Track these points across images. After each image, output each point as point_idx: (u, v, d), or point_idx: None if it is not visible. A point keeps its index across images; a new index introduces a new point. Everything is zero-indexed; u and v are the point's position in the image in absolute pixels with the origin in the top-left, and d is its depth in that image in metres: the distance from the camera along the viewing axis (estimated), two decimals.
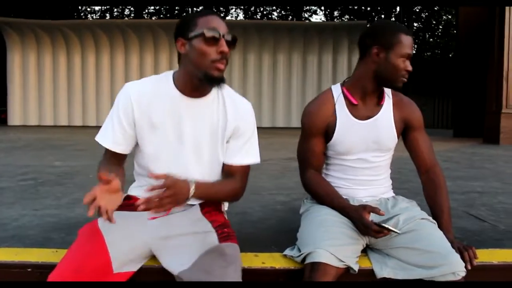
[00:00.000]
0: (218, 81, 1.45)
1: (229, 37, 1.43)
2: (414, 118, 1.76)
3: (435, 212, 1.69)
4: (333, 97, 1.74)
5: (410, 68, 1.62)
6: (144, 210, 1.29)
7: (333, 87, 1.79)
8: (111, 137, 1.53)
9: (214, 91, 1.55)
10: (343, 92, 1.73)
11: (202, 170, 1.55)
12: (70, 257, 1.34)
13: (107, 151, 1.56)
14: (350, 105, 1.71)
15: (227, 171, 1.59)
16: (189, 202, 1.56)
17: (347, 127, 1.71)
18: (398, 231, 1.47)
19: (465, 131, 10.76)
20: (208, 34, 1.40)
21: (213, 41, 1.40)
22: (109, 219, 1.26)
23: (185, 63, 1.47)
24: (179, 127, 1.51)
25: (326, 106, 1.73)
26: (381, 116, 1.72)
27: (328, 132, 1.73)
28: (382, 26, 1.67)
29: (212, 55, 1.40)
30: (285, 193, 2.99)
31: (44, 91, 15.11)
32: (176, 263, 1.37)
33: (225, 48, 1.41)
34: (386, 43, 1.61)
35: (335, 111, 1.72)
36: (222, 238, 1.43)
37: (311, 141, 1.75)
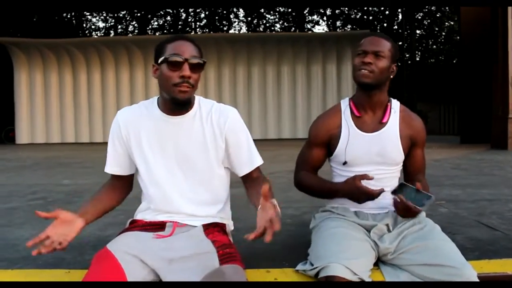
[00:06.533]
0: (183, 103, 1.51)
1: (194, 61, 1.47)
2: (419, 138, 1.80)
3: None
4: (341, 110, 1.80)
5: (366, 60, 1.66)
6: None
7: (342, 101, 1.84)
8: (109, 161, 1.67)
9: (196, 106, 1.60)
10: (349, 104, 1.78)
11: (194, 185, 1.60)
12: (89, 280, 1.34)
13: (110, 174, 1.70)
14: (355, 117, 1.75)
15: (247, 179, 1.67)
16: (192, 224, 1.58)
17: (351, 138, 1.73)
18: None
19: (472, 137, 10.67)
20: (171, 59, 1.45)
21: (176, 65, 1.45)
22: (62, 249, 1.44)
23: (159, 86, 1.54)
24: (165, 146, 1.58)
25: (332, 119, 1.79)
26: (387, 130, 1.74)
27: (332, 144, 1.77)
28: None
29: (173, 79, 1.46)
30: (294, 206, 2.98)
31: (51, 109, 15.21)
32: None
33: (186, 72, 1.45)
34: (354, 50, 1.75)
35: (341, 123, 1.76)
36: (223, 260, 1.41)
37: (312, 150, 1.82)
